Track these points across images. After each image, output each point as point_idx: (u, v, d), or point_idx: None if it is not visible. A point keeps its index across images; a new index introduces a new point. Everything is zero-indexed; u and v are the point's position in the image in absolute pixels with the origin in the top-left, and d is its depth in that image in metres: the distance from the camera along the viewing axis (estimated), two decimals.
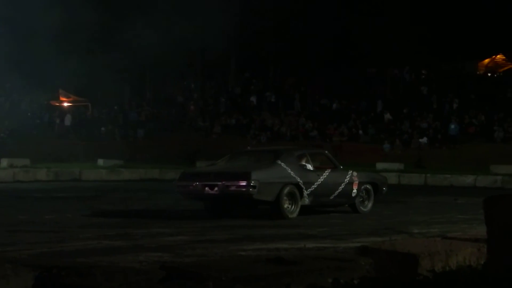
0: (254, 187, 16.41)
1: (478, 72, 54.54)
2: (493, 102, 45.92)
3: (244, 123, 48.00)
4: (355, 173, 18.92)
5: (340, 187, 18.32)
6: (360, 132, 44.90)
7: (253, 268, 6.22)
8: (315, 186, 17.67)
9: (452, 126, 43.12)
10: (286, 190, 16.98)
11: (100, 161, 35.96)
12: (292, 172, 17.39)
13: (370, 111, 47.95)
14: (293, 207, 17.12)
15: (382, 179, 20.38)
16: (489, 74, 54.07)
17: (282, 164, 17.48)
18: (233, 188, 16.65)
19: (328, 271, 6.24)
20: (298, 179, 17.34)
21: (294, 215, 16.98)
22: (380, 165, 36.69)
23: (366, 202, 19.00)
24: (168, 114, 50.03)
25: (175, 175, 34.41)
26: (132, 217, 16.55)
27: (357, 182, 18.72)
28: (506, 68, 54.76)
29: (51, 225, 14.35)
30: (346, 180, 18.52)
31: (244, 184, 16.45)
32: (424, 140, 42.26)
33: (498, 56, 55.40)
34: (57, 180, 31.11)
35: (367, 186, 19.02)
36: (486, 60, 55.32)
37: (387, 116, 46.21)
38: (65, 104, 50.40)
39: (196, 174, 18.34)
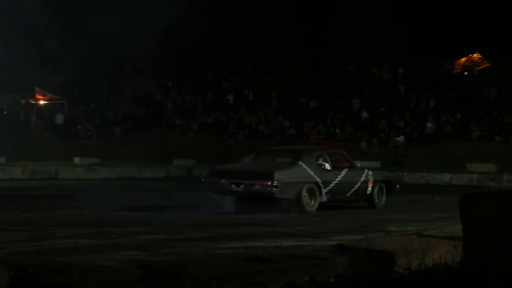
0: (276, 186, 17.87)
1: (455, 71, 54.78)
2: (470, 101, 46.13)
3: (222, 121, 47.96)
4: (370, 172, 20.52)
5: (356, 185, 19.73)
6: (337, 130, 44.96)
7: (230, 267, 6.22)
8: (333, 185, 19.04)
9: (429, 125, 43.30)
10: (306, 189, 18.40)
11: (77, 159, 35.80)
12: (312, 172, 18.76)
13: (347, 109, 48.06)
14: (312, 202, 18.53)
15: (395, 177, 22.23)
16: (465, 73, 54.31)
17: (303, 164, 18.85)
18: (257, 187, 18.14)
19: (305, 269, 6.25)
20: (317, 179, 18.73)
21: (313, 209, 18.44)
22: (357, 163, 36.74)
23: (380, 198, 20.42)
24: (146, 112, 49.90)
25: (152, 174, 34.68)
26: (109, 215, 16.49)
27: (372, 180, 20.17)
28: (482, 66, 55.03)
29: (27, 224, 14.27)
30: (362, 178, 19.97)
31: (268, 184, 17.93)
32: (401, 138, 42.39)
33: (474, 55, 55.65)
34: (33, 178, 30.94)
35: (381, 184, 20.47)
36: (463, 59, 55.56)
37: (364, 114, 46.32)
38: (42, 102, 50.14)
39: (224, 171, 19.45)
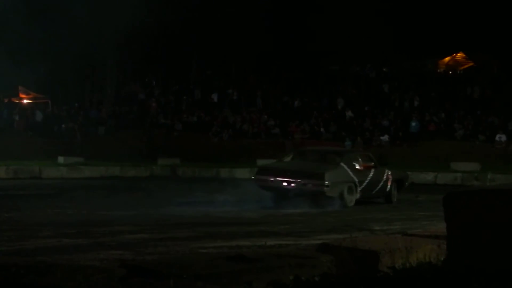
0: (327, 186, 20.12)
1: (438, 70, 54.93)
2: (453, 100, 46.29)
3: (206, 120, 47.89)
4: (389, 172, 22.73)
5: (380, 184, 22.06)
6: (322, 129, 44.98)
7: (214, 266, 6.21)
8: (365, 184, 21.33)
9: (413, 124, 43.41)
10: (347, 187, 20.71)
11: (61, 159, 35.64)
12: (351, 173, 21.06)
13: (331, 108, 48.10)
14: (351, 199, 20.75)
15: (406, 176, 24.59)
16: (450, 72, 54.47)
17: (344, 165, 21.19)
18: (309, 185, 20.27)
19: (289, 268, 6.24)
20: (355, 179, 21.06)
21: (352, 205, 20.63)
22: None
23: (394, 194, 22.69)
24: (129, 111, 49.75)
25: (136, 173, 34.59)
26: (92, 215, 16.43)
27: (391, 179, 22.50)
28: (466, 66, 55.24)
29: (10, 223, 14.19)
30: (384, 177, 22.31)
31: (320, 183, 20.11)
32: (385, 137, 42.47)
33: (458, 54, 55.85)
34: (16, 177, 30.78)
35: (395, 182, 22.74)
36: (447, 58, 55.75)
37: (349, 113, 46.38)
38: (25, 101, 49.89)
39: (274, 170, 21.30)
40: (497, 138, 40.63)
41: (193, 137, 44.74)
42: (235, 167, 36.42)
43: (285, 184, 20.39)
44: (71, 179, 31.35)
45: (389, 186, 22.28)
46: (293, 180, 20.31)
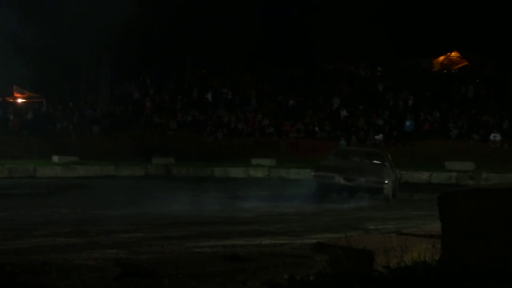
0: (387, 183, 22.28)
1: (433, 69, 54.99)
2: (448, 99, 46.35)
3: (201, 119, 47.89)
4: (398, 170, 25.81)
5: (397, 181, 24.79)
6: (316, 128, 45.03)
7: (209, 265, 6.20)
8: (395, 181, 24.08)
9: (408, 123, 43.46)
10: (392, 185, 22.93)
11: (55, 158, 35.62)
12: (391, 173, 23.48)
13: (326, 107, 48.12)
14: (392, 194, 23.01)
15: (399, 174, 27.12)
16: (444, 71, 54.53)
17: (387, 165, 23.82)
18: (370, 183, 22.26)
19: (284, 268, 6.23)
20: (394, 177, 23.59)
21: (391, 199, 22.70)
22: None
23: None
24: (124, 111, 49.72)
25: (131, 172, 34.58)
26: (87, 214, 16.42)
27: (399, 177, 26.00)
28: (460, 65, 55.28)
29: (5, 222, 14.17)
30: (398, 175, 25.59)
31: (382, 181, 22.25)
32: (379, 137, 42.51)
33: (453, 53, 55.92)
34: (11, 177, 30.75)
35: None
36: (441, 57, 55.82)
37: (343, 112, 46.42)
38: (20, 101, 49.84)
39: (334, 168, 23.15)
40: (491, 137, 40.70)
41: (188, 136, 44.75)
42: (230, 166, 36.43)
43: (345, 181, 22.48)
44: (65, 178, 31.33)
45: (397, 183, 24.91)
46: (355, 177, 22.45)
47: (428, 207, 17.34)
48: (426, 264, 6.26)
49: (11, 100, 49.47)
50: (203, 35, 48.98)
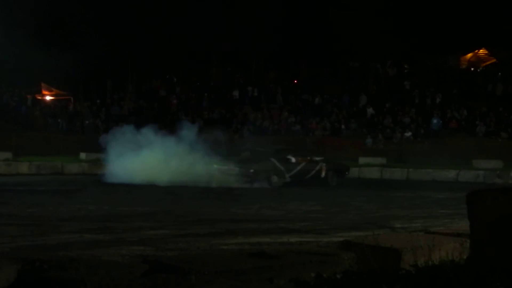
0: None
1: (460, 67, 54.64)
2: (475, 97, 46.02)
3: (227, 117, 47.90)
4: (324, 164, 29.52)
5: (312, 172, 29.21)
6: (342, 126, 44.90)
7: (235, 262, 6.21)
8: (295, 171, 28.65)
9: (435, 121, 43.19)
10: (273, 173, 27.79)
11: (83, 155, 35.77)
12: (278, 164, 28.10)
13: (352, 105, 47.97)
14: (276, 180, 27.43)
15: (345, 167, 31.24)
16: (471, 69, 54.18)
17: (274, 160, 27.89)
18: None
19: (311, 266, 6.23)
20: (282, 168, 28.18)
21: (278, 185, 26.88)
22: (362, 160, 36.78)
23: (334, 179, 29.47)
24: (150, 108, 49.84)
25: None
26: (114, 210, 16.49)
27: (325, 169, 29.30)
28: (488, 62, 54.86)
29: (33, 219, 14.27)
30: (317, 168, 29.27)
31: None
32: (408, 134, 42.24)
33: (480, 50, 55.50)
34: (39, 173, 30.96)
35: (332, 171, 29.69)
36: (469, 55, 55.44)
37: (370, 110, 46.23)
38: (48, 98, 50.14)
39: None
40: None
41: None
42: None
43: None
44: (93, 174, 31.45)
45: (323, 174, 28.90)
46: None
47: (455, 206, 17.28)
48: (454, 263, 6.24)
49: (40, 97, 49.80)
50: (228, 33, 48.94)
